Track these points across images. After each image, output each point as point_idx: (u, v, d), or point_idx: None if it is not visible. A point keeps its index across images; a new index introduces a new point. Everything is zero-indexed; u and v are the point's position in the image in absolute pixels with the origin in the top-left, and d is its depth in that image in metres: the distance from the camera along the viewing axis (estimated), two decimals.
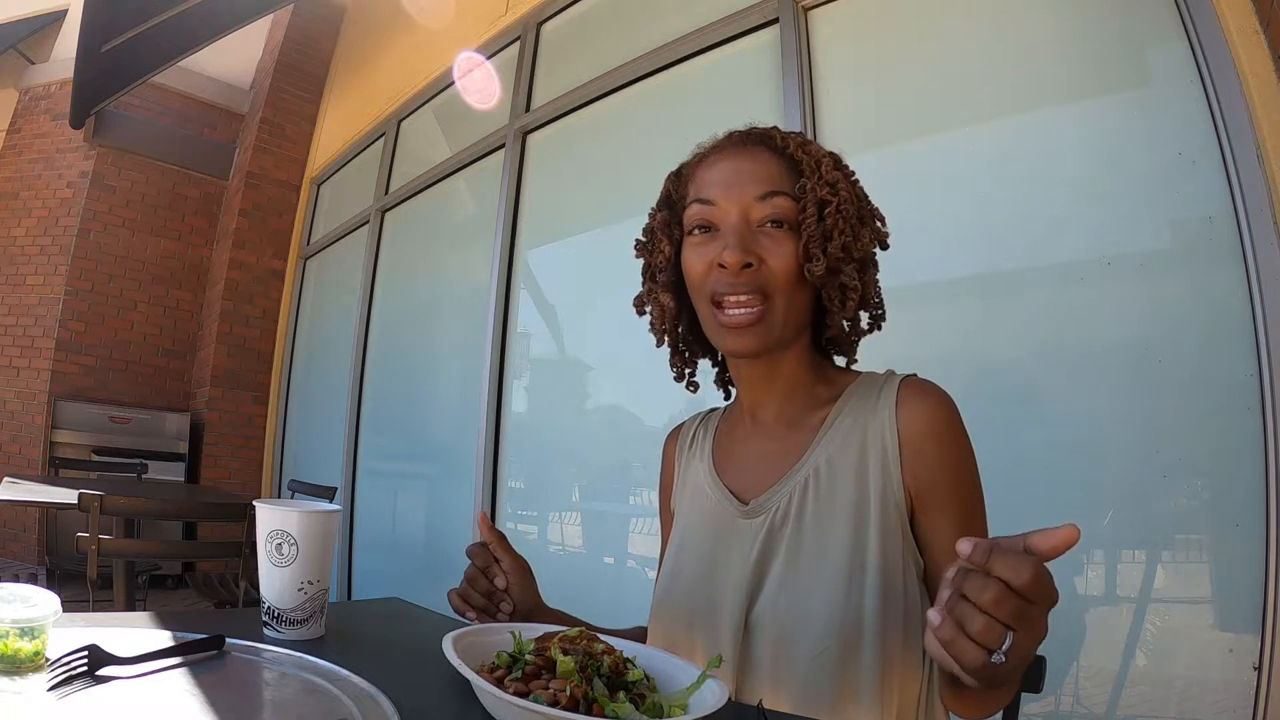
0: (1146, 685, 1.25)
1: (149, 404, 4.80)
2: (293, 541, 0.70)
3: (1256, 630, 1.13)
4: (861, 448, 0.73)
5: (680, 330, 0.85)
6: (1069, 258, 1.42)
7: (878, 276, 0.80)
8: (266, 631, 0.71)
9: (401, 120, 3.92)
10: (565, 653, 0.55)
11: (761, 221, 0.74)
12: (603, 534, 2.44)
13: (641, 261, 0.85)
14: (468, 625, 0.69)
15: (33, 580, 3.50)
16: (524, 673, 0.55)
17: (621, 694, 0.53)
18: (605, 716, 0.51)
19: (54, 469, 3.51)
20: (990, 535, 0.73)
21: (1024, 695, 0.81)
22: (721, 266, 0.73)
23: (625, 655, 0.59)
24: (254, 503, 0.74)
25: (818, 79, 1.91)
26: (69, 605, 0.60)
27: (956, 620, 0.46)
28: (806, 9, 1.95)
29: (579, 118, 2.68)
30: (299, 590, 0.71)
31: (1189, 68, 1.31)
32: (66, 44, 4.82)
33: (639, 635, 0.89)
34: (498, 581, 0.80)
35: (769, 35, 2.03)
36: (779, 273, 0.73)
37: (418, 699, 0.57)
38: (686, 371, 0.87)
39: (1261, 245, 1.18)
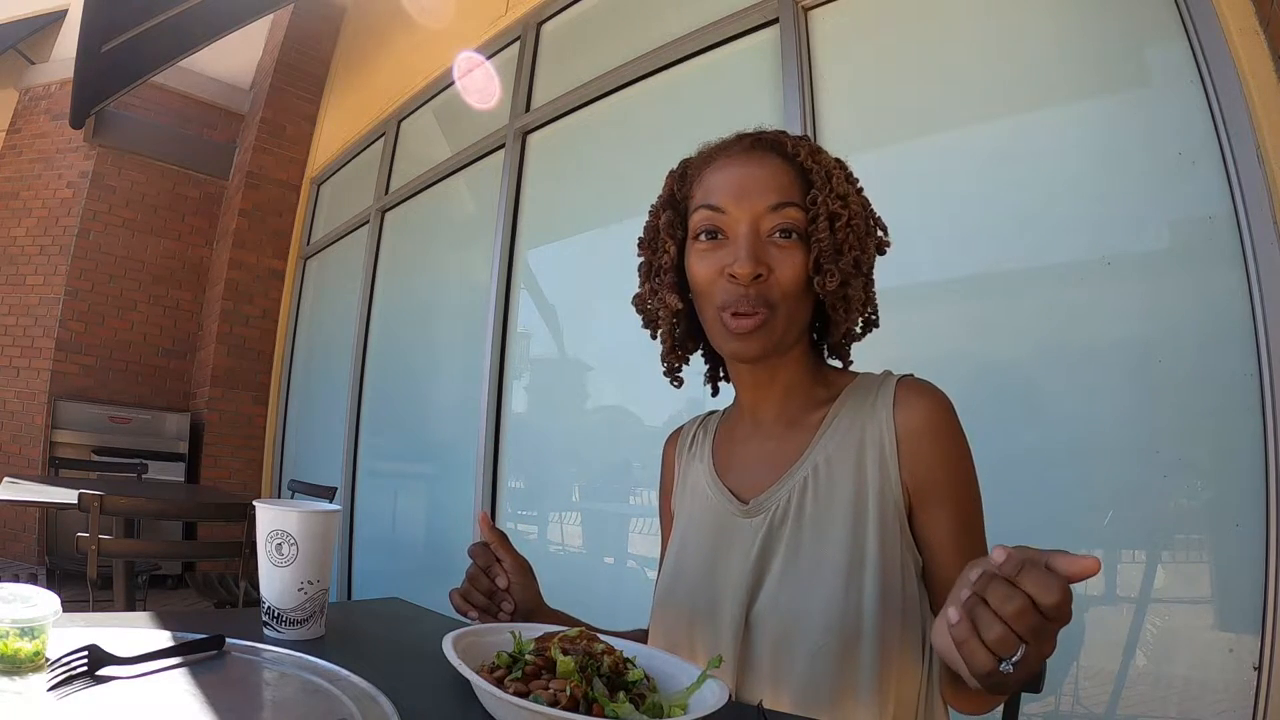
0: (1146, 685, 1.25)
1: (149, 404, 4.80)
2: (293, 541, 0.70)
3: (1256, 630, 1.13)
4: (859, 447, 0.74)
5: (678, 331, 0.85)
6: (1069, 258, 1.42)
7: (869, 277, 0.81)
8: (266, 631, 0.71)
9: (401, 120, 3.92)
10: (565, 653, 0.55)
11: (771, 231, 0.74)
12: (603, 534, 2.44)
13: (641, 259, 0.85)
14: (468, 625, 0.69)
15: (33, 580, 3.50)
16: (524, 673, 0.55)
17: (621, 694, 0.54)
18: (605, 716, 0.51)
19: (54, 469, 3.50)
20: (986, 532, 0.73)
21: (1024, 695, 0.81)
22: (733, 277, 0.73)
23: (625, 655, 0.59)
24: (254, 503, 0.74)
25: (818, 79, 1.91)
26: (69, 605, 0.60)
27: (974, 623, 0.47)
28: (806, 9, 1.95)
29: (579, 118, 2.68)
30: (299, 590, 0.71)
31: (1189, 67, 1.31)
32: (66, 44, 4.82)
33: (639, 638, 0.89)
34: (499, 581, 0.80)
35: (769, 35, 2.03)
36: (786, 283, 0.73)
37: (418, 699, 0.57)
38: (676, 368, 0.87)
39: (1261, 245, 1.18)
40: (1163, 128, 1.35)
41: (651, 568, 2.11)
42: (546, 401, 2.75)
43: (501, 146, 2.96)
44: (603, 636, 0.62)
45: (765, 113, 1.94)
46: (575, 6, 2.85)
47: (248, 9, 3.91)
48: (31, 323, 4.66)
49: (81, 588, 1.89)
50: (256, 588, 0.75)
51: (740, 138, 0.80)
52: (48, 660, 0.53)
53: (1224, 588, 1.21)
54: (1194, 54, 1.30)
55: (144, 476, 3.50)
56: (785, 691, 0.70)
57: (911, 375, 0.77)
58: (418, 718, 0.52)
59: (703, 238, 0.77)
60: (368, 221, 3.95)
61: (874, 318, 0.82)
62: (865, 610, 0.68)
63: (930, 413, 0.72)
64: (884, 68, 1.83)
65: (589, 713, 0.51)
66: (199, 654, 0.60)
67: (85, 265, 4.73)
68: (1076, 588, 0.45)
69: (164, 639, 0.61)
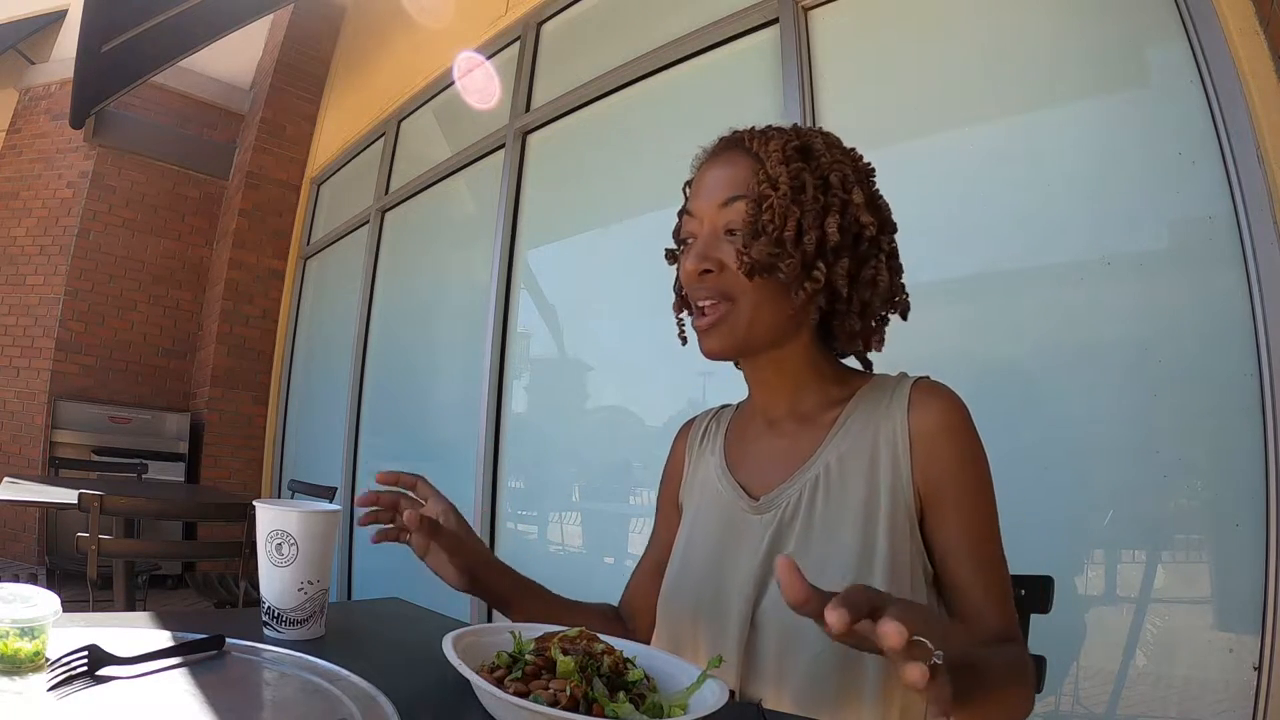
0: (1146, 685, 1.25)
1: (149, 404, 4.80)
2: (293, 541, 0.70)
3: (1256, 630, 1.13)
4: (873, 447, 0.73)
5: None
6: (1069, 257, 1.42)
7: (886, 263, 0.76)
8: (266, 631, 0.71)
9: (401, 120, 3.92)
10: (565, 653, 0.55)
11: (725, 227, 0.75)
12: (603, 534, 2.44)
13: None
14: (468, 625, 0.69)
15: (33, 580, 3.50)
16: (524, 673, 0.55)
17: (621, 694, 0.54)
18: (605, 716, 0.51)
19: (54, 469, 3.51)
20: (1001, 537, 0.72)
21: None
22: (689, 276, 0.76)
23: (625, 655, 0.59)
24: (254, 503, 0.74)
25: (818, 79, 1.91)
26: (69, 605, 0.60)
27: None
28: (806, 9, 1.95)
29: (579, 118, 2.68)
30: (299, 590, 0.71)
31: (1189, 67, 1.31)
32: (66, 44, 4.82)
33: (607, 612, 0.92)
34: (424, 510, 0.81)
35: (769, 35, 2.03)
36: (738, 275, 0.73)
37: (418, 699, 0.57)
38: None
39: (1261, 245, 1.18)
40: (1162, 128, 1.35)
41: None
42: (546, 401, 2.75)
43: (501, 147, 2.96)
44: (602, 636, 0.62)
45: (765, 113, 1.94)
46: (575, 6, 2.85)
47: (248, 9, 3.91)
48: (31, 323, 4.66)
49: (81, 588, 1.89)
50: (256, 588, 0.75)
51: (718, 140, 0.82)
52: (48, 660, 0.53)
53: (1224, 588, 1.21)
54: (1194, 54, 1.30)
55: (144, 476, 3.50)
56: (789, 691, 0.70)
57: (927, 377, 0.76)
58: (418, 718, 0.52)
59: (682, 244, 0.80)
60: (368, 221, 3.95)
61: (879, 311, 0.78)
62: None
63: (945, 415, 0.72)
64: (884, 68, 1.83)
65: (589, 713, 0.51)
66: (199, 654, 0.60)
67: (85, 265, 4.73)
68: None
69: (164, 639, 0.61)
